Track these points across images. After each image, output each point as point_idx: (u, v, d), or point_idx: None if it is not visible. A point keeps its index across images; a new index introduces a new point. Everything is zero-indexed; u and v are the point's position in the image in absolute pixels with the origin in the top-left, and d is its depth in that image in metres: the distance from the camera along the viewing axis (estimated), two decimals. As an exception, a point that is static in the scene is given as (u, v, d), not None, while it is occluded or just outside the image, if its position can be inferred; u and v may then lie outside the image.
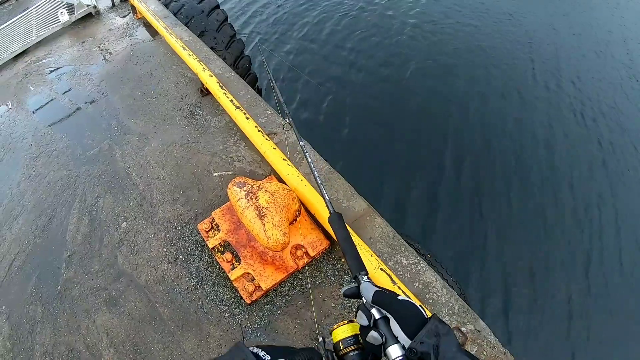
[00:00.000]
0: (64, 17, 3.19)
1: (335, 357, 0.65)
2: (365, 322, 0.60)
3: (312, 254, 1.50)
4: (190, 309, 1.50)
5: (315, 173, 1.11)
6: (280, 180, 1.71)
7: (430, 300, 1.37)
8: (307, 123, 4.02)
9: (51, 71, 2.86)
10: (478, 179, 3.57)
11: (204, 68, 2.19)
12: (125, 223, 1.80)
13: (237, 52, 3.04)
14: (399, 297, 0.60)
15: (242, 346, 0.55)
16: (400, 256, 1.48)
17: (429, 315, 0.57)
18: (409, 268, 1.45)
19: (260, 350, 0.56)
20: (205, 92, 2.25)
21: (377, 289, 0.62)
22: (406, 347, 0.54)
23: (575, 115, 4.27)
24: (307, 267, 1.49)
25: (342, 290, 0.68)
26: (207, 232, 1.61)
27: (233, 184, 1.53)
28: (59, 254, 1.78)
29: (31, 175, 2.17)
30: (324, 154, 1.82)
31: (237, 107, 1.93)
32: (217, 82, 2.09)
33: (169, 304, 1.52)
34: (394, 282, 1.29)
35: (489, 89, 4.47)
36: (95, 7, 3.27)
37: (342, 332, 0.66)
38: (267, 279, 1.45)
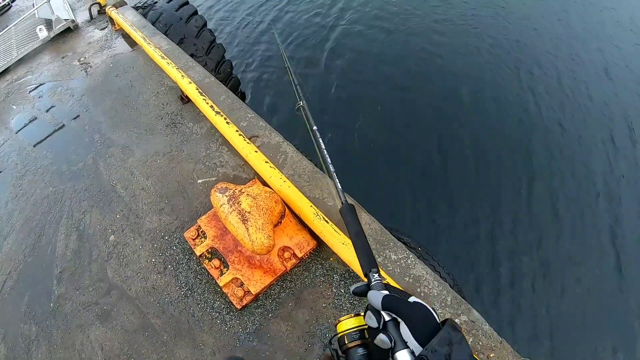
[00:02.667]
0: (43, 33, 3.16)
1: (340, 352, 0.63)
2: (374, 324, 0.56)
3: (299, 255, 1.50)
4: (181, 318, 1.50)
5: (329, 160, 0.97)
6: (264, 183, 1.70)
7: (422, 294, 1.36)
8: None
9: (33, 89, 2.84)
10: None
11: (182, 75, 2.18)
12: (113, 236, 1.79)
13: (218, 57, 3.01)
14: (410, 300, 0.57)
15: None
16: (389, 251, 1.48)
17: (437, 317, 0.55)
18: (398, 263, 1.45)
19: None
20: (185, 99, 2.24)
21: (386, 293, 0.59)
22: (416, 353, 0.51)
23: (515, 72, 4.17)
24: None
25: (352, 288, 0.64)
26: (193, 239, 1.60)
27: (215, 190, 1.52)
28: (49, 272, 1.77)
29: (18, 194, 2.16)
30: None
31: (218, 113, 1.92)
32: (197, 89, 2.07)
33: (160, 314, 1.52)
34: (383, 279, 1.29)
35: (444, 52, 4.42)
36: (73, 21, 3.24)
37: (347, 325, 0.64)
38: (256, 283, 1.45)
